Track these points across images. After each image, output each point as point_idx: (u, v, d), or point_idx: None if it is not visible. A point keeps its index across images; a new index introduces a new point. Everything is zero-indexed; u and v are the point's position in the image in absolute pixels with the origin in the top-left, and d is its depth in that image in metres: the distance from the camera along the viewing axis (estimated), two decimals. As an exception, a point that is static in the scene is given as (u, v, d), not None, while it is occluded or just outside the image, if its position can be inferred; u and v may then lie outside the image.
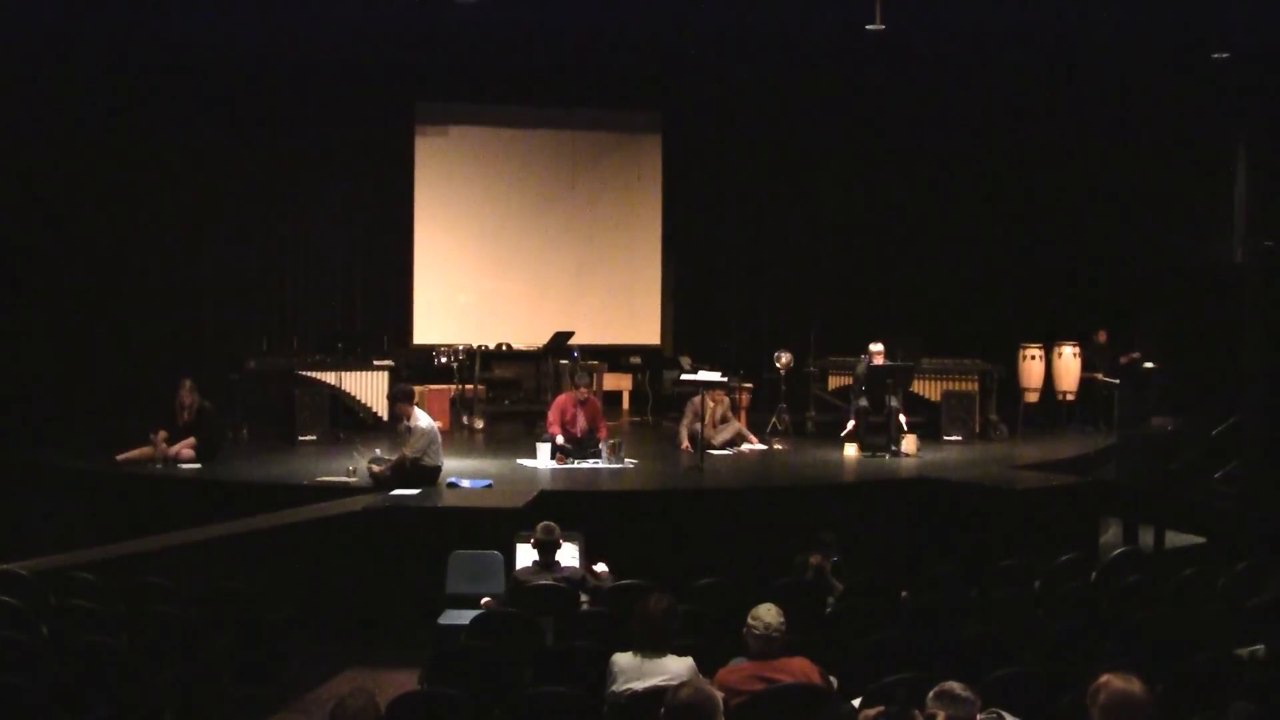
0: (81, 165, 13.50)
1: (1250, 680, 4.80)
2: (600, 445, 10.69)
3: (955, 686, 3.87)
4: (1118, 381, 13.72)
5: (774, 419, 12.95)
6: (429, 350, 13.54)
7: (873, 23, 10.65)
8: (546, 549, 6.93)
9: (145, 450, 10.18)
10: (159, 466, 10.06)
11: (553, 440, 10.67)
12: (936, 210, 15.67)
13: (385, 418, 12.32)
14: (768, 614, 4.89)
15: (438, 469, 9.34)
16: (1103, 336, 14.14)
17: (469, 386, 13.26)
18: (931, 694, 3.88)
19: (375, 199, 14.90)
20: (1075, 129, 15.19)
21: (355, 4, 11.81)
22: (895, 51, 12.59)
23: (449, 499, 8.80)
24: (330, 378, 12.47)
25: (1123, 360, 14.07)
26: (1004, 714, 4.06)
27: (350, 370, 12.63)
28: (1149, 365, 14.08)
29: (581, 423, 10.96)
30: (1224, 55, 12.57)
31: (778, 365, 13.17)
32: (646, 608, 5.01)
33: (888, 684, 4.67)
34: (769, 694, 4.67)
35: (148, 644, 5.64)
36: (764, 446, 11.91)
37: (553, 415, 11.04)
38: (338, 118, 14.56)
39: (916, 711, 3.81)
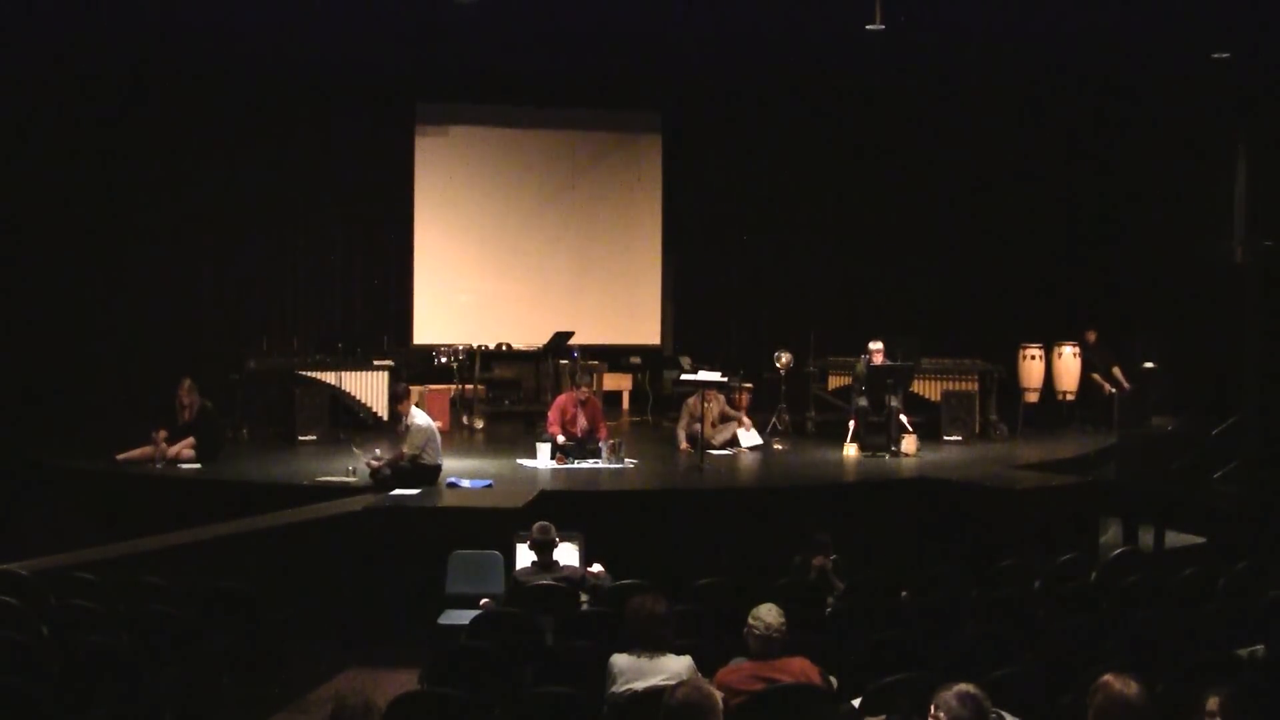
0: (82, 165, 13.49)
1: (1250, 680, 4.80)
2: (600, 445, 10.70)
3: (975, 690, 3.79)
4: (1127, 386, 13.73)
5: (774, 419, 12.94)
6: (429, 350, 13.53)
7: (873, 23, 10.65)
8: (543, 549, 6.93)
9: (145, 450, 10.20)
10: (159, 466, 10.07)
11: (553, 440, 10.68)
12: (936, 210, 15.66)
13: (385, 418, 12.34)
14: (768, 614, 4.89)
15: (437, 468, 9.35)
16: (1092, 336, 14.13)
17: (469, 386, 13.25)
18: (952, 692, 3.79)
19: (375, 199, 14.88)
20: (1075, 129, 15.20)
21: (355, 4, 11.80)
22: (895, 51, 12.58)
23: (449, 499, 8.80)
24: (330, 378, 12.48)
25: (1115, 371, 14.02)
26: (1004, 714, 4.05)
27: (350, 370, 12.65)
28: (1149, 365, 14.06)
29: (582, 423, 10.97)
30: (1224, 55, 12.56)
31: (778, 365, 13.17)
32: (638, 608, 5.00)
33: (888, 684, 4.67)
34: (769, 694, 4.67)
35: (148, 644, 5.63)
36: (759, 441, 11.90)
37: (553, 415, 11.05)
38: (338, 118, 14.58)
39: None
